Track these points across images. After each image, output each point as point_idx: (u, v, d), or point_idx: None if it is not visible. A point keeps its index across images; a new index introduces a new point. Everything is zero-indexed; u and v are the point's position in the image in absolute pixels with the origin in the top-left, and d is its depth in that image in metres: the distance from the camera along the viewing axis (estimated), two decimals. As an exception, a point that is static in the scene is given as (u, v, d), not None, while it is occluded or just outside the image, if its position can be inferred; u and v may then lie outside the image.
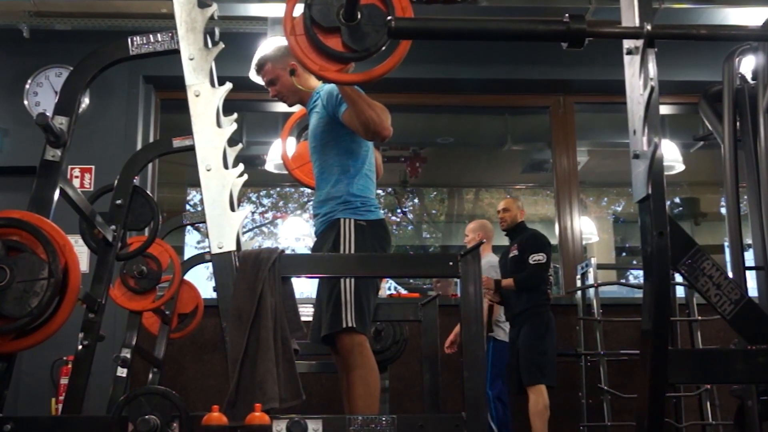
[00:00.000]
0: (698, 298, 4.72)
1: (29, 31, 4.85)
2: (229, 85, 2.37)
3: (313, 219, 2.90)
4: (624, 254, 8.55)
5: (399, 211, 8.63)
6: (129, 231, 3.00)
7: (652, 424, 1.65)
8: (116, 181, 2.93)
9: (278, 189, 8.57)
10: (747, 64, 2.47)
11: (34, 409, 4.34)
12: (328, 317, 2.62)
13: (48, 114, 2.22)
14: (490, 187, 8.47)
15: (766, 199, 2.18)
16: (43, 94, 4.95)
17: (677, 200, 8.13)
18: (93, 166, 4.87)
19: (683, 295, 4.89)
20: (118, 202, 2.86)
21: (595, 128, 6.74)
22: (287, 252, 2.28)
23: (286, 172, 3.50)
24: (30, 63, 4.98)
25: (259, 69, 2.95)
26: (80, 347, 2.63)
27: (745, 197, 2.41)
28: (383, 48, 1.96)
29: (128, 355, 3.33)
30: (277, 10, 4.66)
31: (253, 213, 8.37)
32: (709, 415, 4.61)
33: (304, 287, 6.12)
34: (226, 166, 2.32)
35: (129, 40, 2.36)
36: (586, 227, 6.56)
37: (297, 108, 3.16)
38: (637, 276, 7.16)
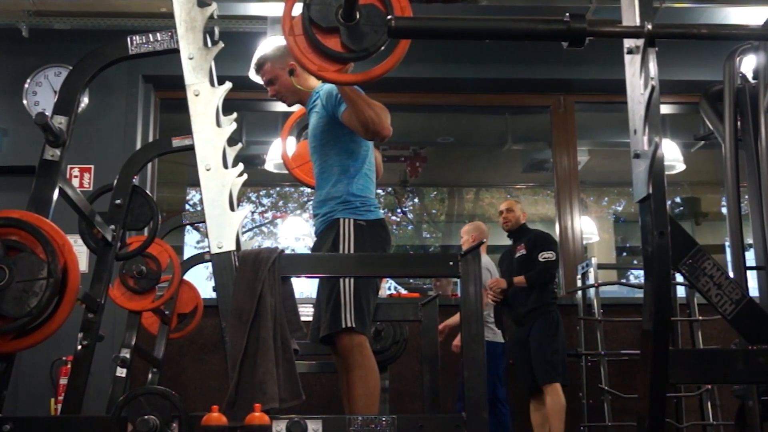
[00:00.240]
0: (699, 297, 4.72)
1: (28, 31, 4.85)
2: (228, 85, 2.37)
3: (313, 219, 2.90)
4: (625, 254, 8.55)
5: (399, 210, 8.63)
6: (128, 231, 3.00)
7: (652, 424, 1.64)
8: (115, 181, 2.92)
9: (278, 189, 8.56)
10: (748, 64, 2.46)
11: (34, 409, 4.33)
12: (328, 317, 2.62)
13: (47, 113, 2.22)
14: (490, 186, 8.46)
15: (767, 199, 2.17)
16: (42, 93, 4.94)
17: (678, 200, 8.12)
18: (92, 166, 4.87)
19: (684, 295, 4.88)
20: (118, 201, 2.86)
21: (596, 128, 6.73)
22: (287, 252, 2.28)
23: (285, 172, 3.50)
24: (29, 62, 4.98)
25: (259, 68, 2.95)
26: (79, 347, 2.63)
27: (746, 197, 2.41)
28: (382, 48, 1.95)
29: (127, 355, 3.32)
30: (277, 10, 4.65)
31: (252, 213, 8.37)
32: (710, 416, 4.61)
33: (304, 287, 6.12)
34: (225, 166, 2.32)
35: (128, 39, 2.36)
36: (587, 227, 6.56)
37: (296, 107, 3.16)
38: (637, 276, 7.15)
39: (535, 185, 8.08)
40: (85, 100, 4.90)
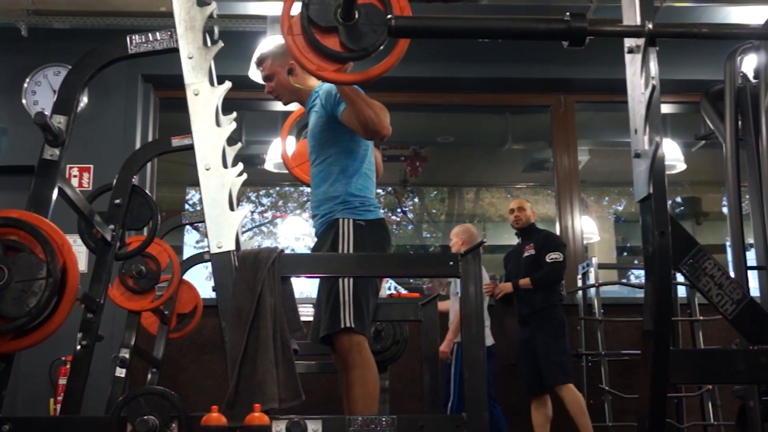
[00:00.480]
0: (700, 297, 4.72)
1: (27, 30, 4.83)
2: (228, 84, 2.37)
3: (312, 220, 2.89)
4: (625, 254, 8.54)
5: (399, 210, 8.62)
6: (128, 230, 2.99)
7: (653, 424, 1.64)
8: (115, 181, 2.92)
9: (278, 188, 8.56)
10: (749, 63, 2.46)
11: (33, 409, 4.33)
12: (327, 317, 2.62)
13: (46, 113, 2.21)
14: (490, 186, 8.46)
15: (768, 199, 2.17)
16: (41, 92, 4.94)
17: (679, 200, 8.12)
18: (91, 166, 4.86)
19: (685, 295, 4.88)
20: (117, 201, 2.85)
21: (596, 127, 6.73)
22: (287, 252, 2.27)
23: (285, 171, 3.49)
24: (28, 62, 4.97)
25: (259, 63, 2.95)
26: (79, 347, 2.62)
27: (747, 196, 2.40)
28: (381, 48, 1.95)
29: (127, 356, 3.32)
30: (277, 9, 4.59)
31: (252, 212, 8.36)
32: (710, 416, 4.60)
33: (304, 287, 6.11)
34: (225, 165, 2.32)
35: (128, 38, 2.35)
36: (587, 227, 6.56)
37: (296, 107, 3.15)
38: (638, 276, 7.14)
39: (535, 185, 8.07)
40: (84, 100, 4.89)
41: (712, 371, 1.74)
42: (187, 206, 7.51)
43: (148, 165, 4.90)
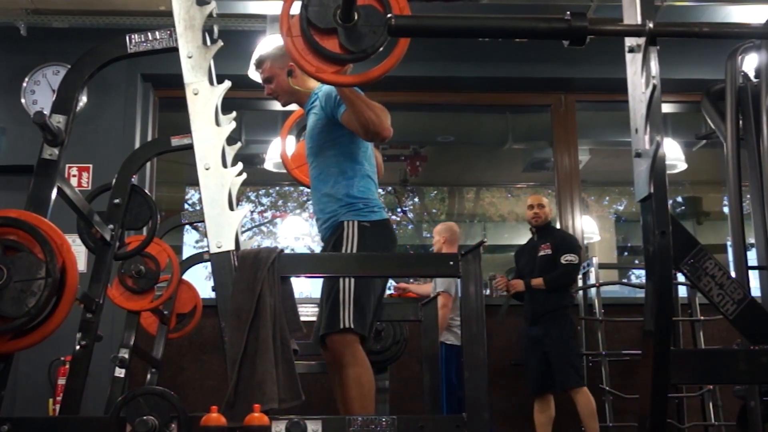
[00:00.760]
0: (701, 297, 4.71)
1: (26, 29, 4.83)
2: (227, 84, 2.36)
3: (316, 224, 2.86)
4: (626, 254, 8.53)
5: (399, 210, 8.62)
6: (127, 230, 2.99)
7: (654, 424, 1.63)
8: (114, 180, 2.91)
9: (277, 188, 8.55)
10: (750, 62, 2.46)
11: (32, 409, 4.32)
12: (326, 317, 2.61)
13: (45, 112, 2.21)
14: (490, 186, 8.45)
15: (770, 198, 2.16)
16: (40, 92, 4.93)
17: (679, 199, 8.11)
18: (91, 165, 4.85)
19: (686, 295, 4.88)
20: (116, 201, 2.85)
21: (597, 127, 6.72)
22: (286, 251, 2.27)
23: (285, 171, 3.48)
24: (27, 61, 4.96)
25: (258, 65, 2.94)
26: (78, 347, 2.62)
27: (748, 196, 2.40)
28: (381, 49, 1.94)
29: (126, 356, 3.31)
30: (276, 8, 4.60)
31: (252, 212, 8.35)
32: (711, 416, 4.60)
33: (304, 287, 6.11)
34: (224, 165, 2.31)
35: (127, 37, 2.35)
36: (588, 226, 6.55)
37: (295, 107, 3.15)
38: (639, 276, 7.14)
39: (535, 184, 8.07)
40: (83, 99, 4.89)
41: (713, 371, 1.73)
42: (186, 206, 7.51)
43: (148, 164, 4.90)
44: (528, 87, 5.50)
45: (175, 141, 2.99)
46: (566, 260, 4.52)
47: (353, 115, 2.53)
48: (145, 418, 1.91)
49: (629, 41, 1.71)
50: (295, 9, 1.97)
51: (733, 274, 1.76)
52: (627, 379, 4.73)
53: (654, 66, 1.63)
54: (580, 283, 4.99)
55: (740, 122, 2.40)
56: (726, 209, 7.07)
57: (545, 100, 5.61)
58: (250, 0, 4.73)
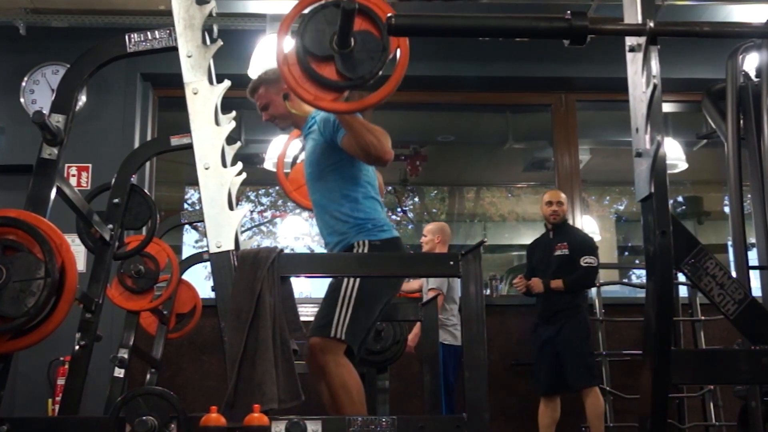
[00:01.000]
0: (701, 297, 4.71)
1: (26, 29, 4.83)
2: (227, 83, 2.36)
3: (325, 249, 2.80)
4: (626, 254, 8.52)
5: (399, 209, 8.61)
6: (126, 230, 2.99)
7: (654, 425, 1.63)
8: (113, 180, 2.91)
9: (277, 188, 8.53)
10: (751, 62, 2.46)
11: (31, 409, 4.32)
12: (319, 319, 2.56)
13: (45, 112, 2.21)
14: (491, 185, 8.44)
15: (771, 198, 2.16)
16: (39, 91, 4.93)
17: (680, 199, 8.10)
18: (90, 165, 4.86)
19: (686, 295, 4.87)
20: (116, 200, 2.84)
21: (597, 126, 6.72)
22: (286, 251, 2.26)
23: (284, 171, 3.48)
24: (26, 60, 4.96)
25: (253, 92, 2.88)
26: (77, 347, 2.61)
27: (749, 196, 2.40)
28: (378, 74, 1.92)
29: (125, 356, 3.31)
30: (276, 7, 4.63)
31: (251, 212, 8.35)
32: (712, 416, 4.60)
33: (304, 287, 6.10)
34: (224, 165, 2.31)
35: (126, 37, 2.34)
36: (588, 226, 6.54)
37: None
38: (639, 275, 7.14)
39: (536, 184, 8.06)
40: (82, 99, 4.88)
41: (714, 371, 1.73)
42: (186, 206, 7.50)
43: (147, 164, 4.89)
44: (528, 86, 5.50)
45: (175, 140, 2.98)
46: (586, 263, 4.47)
47: (354, 140, 2.50)
48: (144, 418, 1.91)
49: (630, 40, 1.70)
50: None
51: (734, 274, 1.76)
52: (627, 379, 4.73)
53: (655, 65, 1.63)
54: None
55: (741, 122, 2.40)
56: (727, 209, 7.06)
57: (546, 100, 5.60)
58: (250, -1, 4.73)
